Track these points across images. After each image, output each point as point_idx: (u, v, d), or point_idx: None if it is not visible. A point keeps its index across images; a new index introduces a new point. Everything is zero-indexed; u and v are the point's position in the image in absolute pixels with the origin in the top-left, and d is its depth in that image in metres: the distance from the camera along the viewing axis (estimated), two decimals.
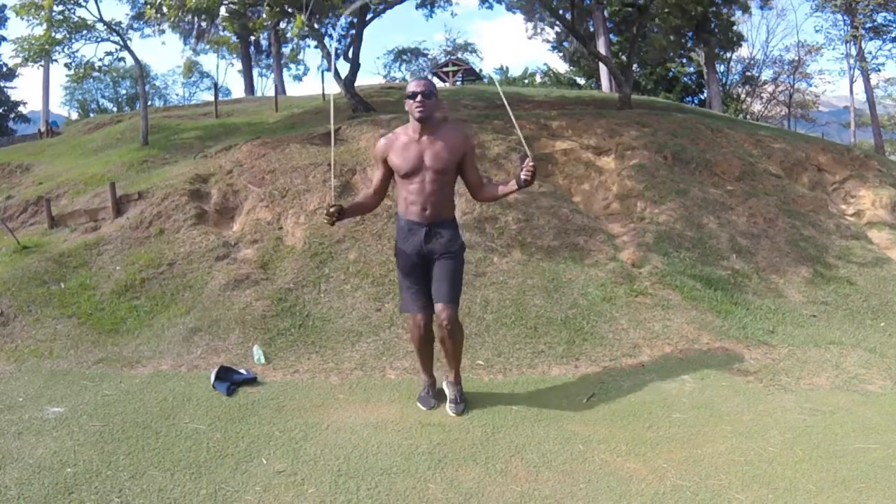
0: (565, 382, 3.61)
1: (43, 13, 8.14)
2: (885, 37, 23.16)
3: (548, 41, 26.97)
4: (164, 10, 8.35)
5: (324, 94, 13.59)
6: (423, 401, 3.28)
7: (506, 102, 3.26)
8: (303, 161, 6.61)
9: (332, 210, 2.95)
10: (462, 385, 3.33)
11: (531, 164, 2.87)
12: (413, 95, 3.01)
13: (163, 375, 3.74)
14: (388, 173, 3.17)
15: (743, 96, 28.91)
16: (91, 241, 5.63)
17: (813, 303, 5.03)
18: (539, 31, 25.96)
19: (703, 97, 26.66)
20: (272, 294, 4.67)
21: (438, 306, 3.06)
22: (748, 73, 28.96)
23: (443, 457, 2.71)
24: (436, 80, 21.25)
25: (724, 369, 3.77)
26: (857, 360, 3.98)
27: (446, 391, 3.29)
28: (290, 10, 9.96)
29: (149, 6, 8.71)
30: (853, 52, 24.08)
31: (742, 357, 3.98)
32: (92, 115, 29.68)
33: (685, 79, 28.05)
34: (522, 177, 2.88)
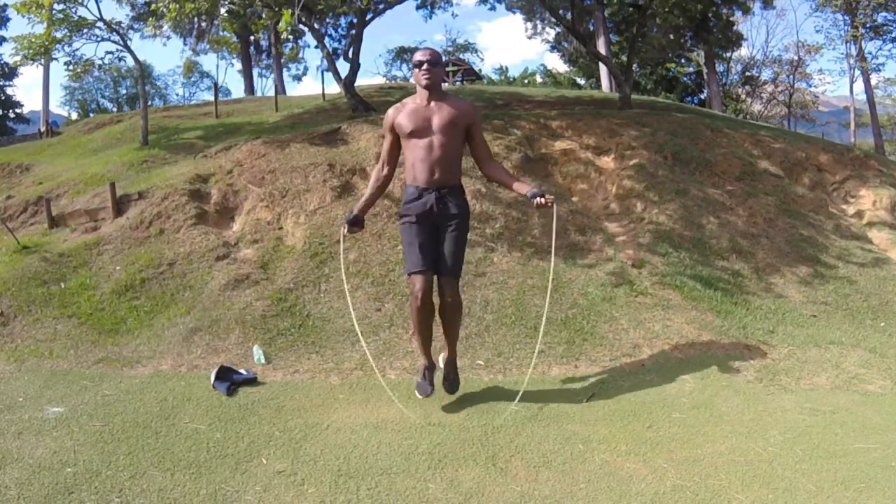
0: (565, 382, 3.61)
1: (43, 11, 8.13)
2: (885, 37, 23.16)
3: (547, 41, 26.98)
4: (165, 11, 8.35)
5: (324, 94, 13.59)
6: (420, 388, 3.28)
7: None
8: (303, 161, 6.61)
9: (346, 232, 3.26)
10: (457, 362, 3.37)
11: (551, 200, 3.00)
12: (420, 64, 3.10)
13: (163, 375, 3.74)
14: (398, 142, 3.22)
15: (743, 96, 28.91)
16: (91, 241, 5.63)
17: (813, 303, 5.03)
18: (539, 31, 25.98)
19: (702, 97, 26.66)
20: (272, 294, 4.67)
21: (443, 279, 3.11)
22: (748, 73, 28.96)
23: (443, 457, 2.71)
24: None
25: (724, 369, 3.77)
26: (857, 360, 3.98)
27: (441, 367, 3.35)
28: (286, 7, 9.96)
29: (152, 17, 8.72)
30: (853, 51, 24.08)
31: (742, 357, 3.98)
32: (92, 114, 29.67)
33: (685, 79, 28.06)
34: (537, 201, 3.00)
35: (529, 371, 3.61)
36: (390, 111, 3.25)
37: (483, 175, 3.51)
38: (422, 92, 3.15)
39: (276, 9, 9.53)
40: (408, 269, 3.14)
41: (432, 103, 3.13)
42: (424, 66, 3.08)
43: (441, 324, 3.28)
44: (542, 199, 2.99)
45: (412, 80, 3.25)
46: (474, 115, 3.21)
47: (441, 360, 3.42)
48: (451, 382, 3.28)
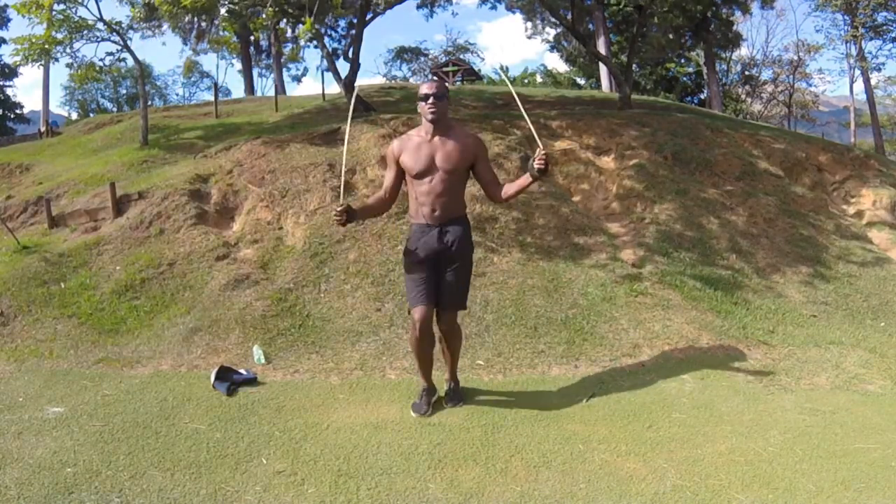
0: (565, 382, 3.61)
1: (43, 12, 8.13)
2: (885, 36, 23.16)
3: (547, 41, 26.99)
4: (157, 5, 8.34)
5: (324, 94, 13.58)
6: (416, 407, 3.23)
7: (516, 96, 3.31)
8: (303, 161, 6.61)
9: (340, 209, 2.94)
10: (459, 382, 3.38)
11: (543, 153, 2.86)
12: (426, 98, 3.07)
13: (163, 375, 3.74)
14: (401, 174, 3.19)
15: (743, 96, 28.92)
16: (91, 241, 5.63)
17: (813, 303, 5.03)
18: (539, 30, 25.99)
19: (702, 97, 26.67)
20: (272, 294, 4.67)
21: (445, 313, 3.14)
22: (747, 73, 28.97)
23: (443, 457, 2.71)
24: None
25: (724, 369, 3.77)
26: (857, 360, 3.98)
27: (445, 387, 3.34)
28: (290, 10, 9.96)
29: (144, 7, 8.69)
30: (853, 51, 24.09)
31: (742, 357, 3.98)
32: (92, 115, 29.68)
33: (684, 79, 28.06)
34: (536, 166, 2.86)
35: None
36: (395, 144, 3.21)
37: (496, 202, 3.40)
38: (426, 125, 3.12)
39: (282, 6, 9.50)
40: (410, 304, 3.15)
41: (436, 138, 3.10)
42: (430, 100, 3.05)
43: (441, 346, 3.28)
44: (537, 162, 2.85)
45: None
46: (479, 151, 3.16)
47: (445, 382, 3.38)
48: (454, 399, 3.28)
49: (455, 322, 3.18)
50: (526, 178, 3.00)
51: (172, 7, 8.60)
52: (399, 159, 3.15)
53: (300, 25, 8.13)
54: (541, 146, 2.91)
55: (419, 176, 3.09)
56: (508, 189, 3.19)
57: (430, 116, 3.07)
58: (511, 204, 5.79)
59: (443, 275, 3.12)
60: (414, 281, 3.12)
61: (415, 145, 3.12)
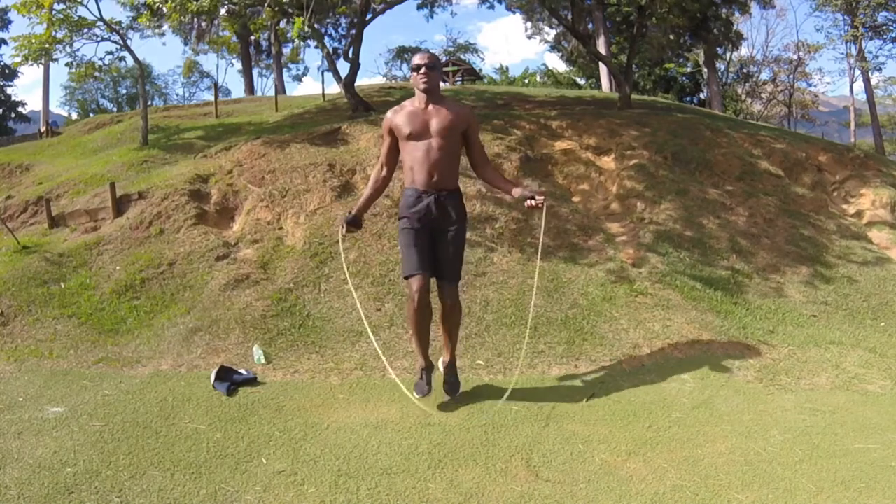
0: (565, 382, 3.61)
1: (43, 12, 8.13)
2: (885, 36, 23.16)
3: (546, 41, 26.99)
4: (165, 10, 8.35)
5: (324, 94, 13.59)
6: (418, 387, 3.28)
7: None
8: (303, 161, 6.61)
9: (345, 232, 3.26)
10: (456, 366, 3.38)
11: (542, 201, 3.01)
12: (418, 68, 3.13)
13: (163, 375, 3.74)
14: (395, 143, 3.25)
15: (743, 96, 28.93)
16: (91, 241, 5.63)
17: (813, 303, 5.03)
18: (538, 30, 25.98)
19: (701, 97, 26.68)
20: (272, 294, 4.67)
21: (443, 284, 3.14)
22: (746, 72, 28.98)
23: (443, 457, 2.71)
24: None
25: (724, 369, 3.77)
26: (857, 360, 3.98)
27: (441, 371, 3.35)
28: (290, 10, 9.97)
29: (146, 13, 8.72)
30: (853, 51, 24.08)
31: (742, 357, 3.98)
32: (92, 114, 29.68)
33: (683, 79, 28.06)
34: (528, 203, 3.03)
35: (520, 362, 3.61)
36: (388, 113, 3.28)
37: (479, 178, 3.54)
38: (420, 95, 3.18)
39: (282, 6, 9.51)
40: (405, 271, 3.15)
41: (430, 107, 3.15)
42: (422, 70, 3.12)
43: (440, 327, 3.30)
44: (532, 202, 3.02)
45: (411, 83, 3.26)
46: (472, 119, 3.24)
47: (441, 364, 3.42)
48: (452, 385, 3.29)
49: (457, 297, 3.20)
50: (516, 192, 3.17)
51: (179, 15, 8.62)
52: (392, 126, 3.21)
53: (294, 27, 8.14)
54: (545, 196, 3.08)
55: (412, 138, 3.13)
56: (495, 179, 3.37)
57: (422, 86, 3.13)
58: (511, 204, 5.79)
59: (439, 245, 3.15)
60: (410, 249, 3.13)
61: (408, 112, 3.19)
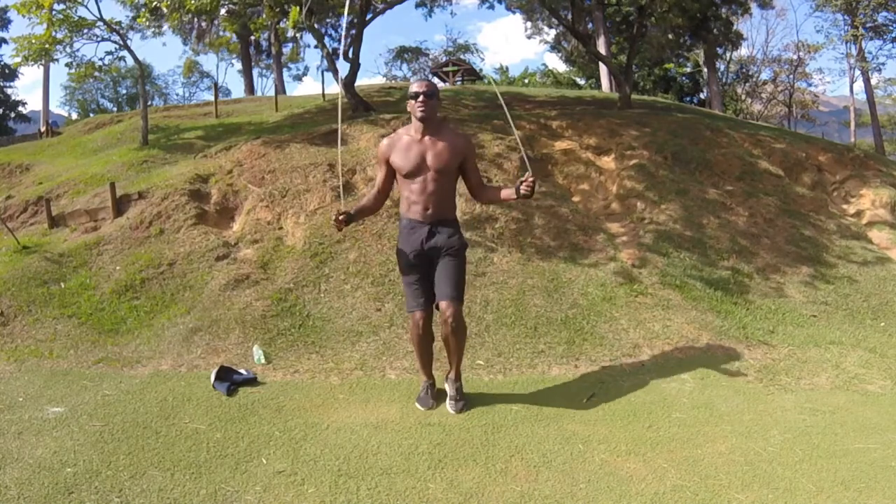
0: (565, 382, 3.61)
1: (43, 12, 8.13)
2: (885, 37, 23.16)
3: (546, 42, 26.99)
4: (164, 10, 8.35)
5: (324, 94, 13.59)
6: (421, 401, 3.28)
7: (506, 110, 3.32)
8: (303, 161, 6.61)
9: (340, 217, 3.02)
10: (462, 383, 3.34)
11: (531, 178, 2.92)
12: (416, 96, 3.07)
13: (163, 375, 3.74)
14: (391, 173, 3.22)
15: (743, 96, 28.94)
16: (91, 241, 5.63)
17: (813, 303, 5.03)
18: (538, 30, 25.98)
19: (701, 97, 26.68)
20: (272, 294, 4.67)
21: (443, 304, 3.07)
22: (745, 72, 28.99)
23: (443, 457, 2.71)
24: (436, 80, 21.26)
25: (724, 369, 3.77)
26: (857, 360, 3.98)
27: (447, 388, 3.30)
28: (288, 8, 9.96)
29: (144, 11, 8.72)
30: (853, 51, 24.09)
31: (742, 357, 3.98)
32: (92, 115, 29.69)
33: (683, 79, 28.06)
34: (521, 191, 2.94)
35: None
36: (384, 143, 3.22)
37: (478, 202, 3.51)
38: (416, 124, 3.12)
39: (281, 6, 9.50)
40: (407, 307, 3.20)
41: (426, 138, 3.10)
42: (420, 99, 3.05)
43: (444, 347, 3.24)
44: (524, 186, 2.92)
45: (408, 109, 3.22)
46: (468, 150, 3.18)
47: (446, 383, 3.33)
48: (458, 403, 3.23)
49: (461, 317, 3.12)
50: (511, 193, 3.07)
51: (178, 13, 8.62)
52: (389, 159, 3.16)
53: (288, 19, 8.10)
54: (529, 171, 2.98)
55: (410, 176, 3.10)
56: (492, 196, 3.32)
57: (419, 115, 3.07)
58: (511, 204, 5.79)
59: (439, 267, 3.13)
60: (410, 285, 3.16)
61: (405, 145, 3.13)
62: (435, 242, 3.11)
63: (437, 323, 3.23)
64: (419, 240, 3.11)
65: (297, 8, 7.89)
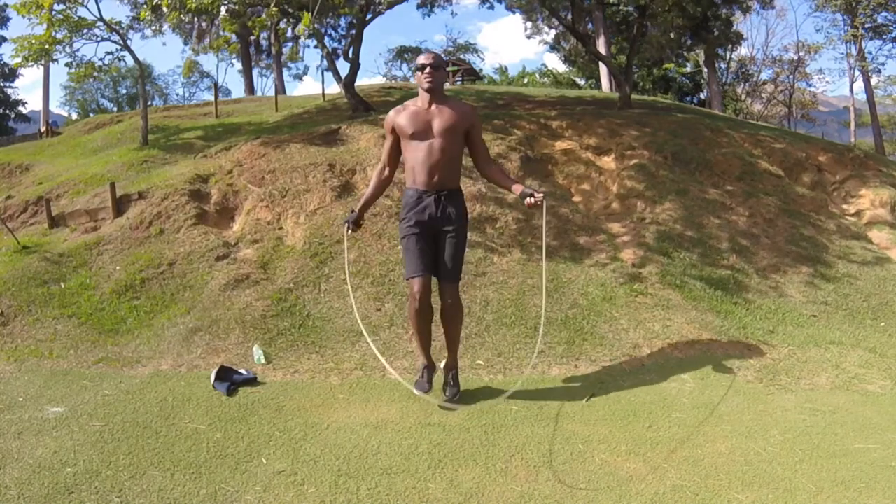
0: (565, 382, 3.61)
1: (43, 12, 8.13)
2: (885, 37, 23.16)
3: (546, 42, 26.99)
4: (164, 9, 8.35)
5: (324, 94, 13.59)
6: (418, 385, 3.31)
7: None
8: (303, 161, 6.61)
9: (350, 231, 3.36)
10: (458, 371, 3.39)
11: (541, 198, 3.02)
12: (423, 67, 3.15)
13: (163, 375, 3.74)
14: (397, 143, 3.27)
15: (743, 97, 28.94)
16: (91, 241, 5.63)
17: (813, 303, 5.03)
18: (538, 30, 25.97)
19: (701, 97, 26.68)
20: (272, 294, 4.67)
21: (444, 283, 3.15)
22: (745, 72, 28.99)
23: (443, 457, 2.71)
24: None
25: (724, 369, 3.77)
26: (857, 360, 3.98)
27: (443, 374, 3.36)
28: (291, 10, 9.96)
29: (145, 7, 8.72)
30: (853, 51, 24.09)
31: (742, 357, 3.98)
32: (92, 114, 29.69)
33: (683, 79, 28.07)
34: (527, 201, 3.03)
35: (528, 369, 3.61)
36: (391, 113, 3.29)
37: (481, 176, 3.56)
38: (423, 95, 3.19)
39: (287, 12, 9.50)
40: (407, 273, 3.19)
41: (433, 106, 3.16)
42: (427, 70, 3.13)
43: (442, 328, 3.31)
44: (532, 199, 3.02)
45: (413, 81, 3.30)
46: (474, 118, 3.25)
47: (441, 366, 3.44)
48: (452, 389, 3.29)
49: (457, 296, 3.20)
50: (517, 188, 3.16)
51: (178, 12, 8.62)
52: (394, 125, 3.23)
53: (300, 24, 8.13)
54: (544, 193, 3.08)
55: (415, 137, 3.15)
56: (498, 177, 3.37)
57: (426, 85, 3.14)
58: (511, 204, 5.79)
59: (440, 244, 3.17)
60: (411, 251, 3.16)
61: (411, 112, 3.20)
62: (441, 217, 3.14)
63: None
64: (426, 208, 3.14)
65: (309, 14, 7.90)
